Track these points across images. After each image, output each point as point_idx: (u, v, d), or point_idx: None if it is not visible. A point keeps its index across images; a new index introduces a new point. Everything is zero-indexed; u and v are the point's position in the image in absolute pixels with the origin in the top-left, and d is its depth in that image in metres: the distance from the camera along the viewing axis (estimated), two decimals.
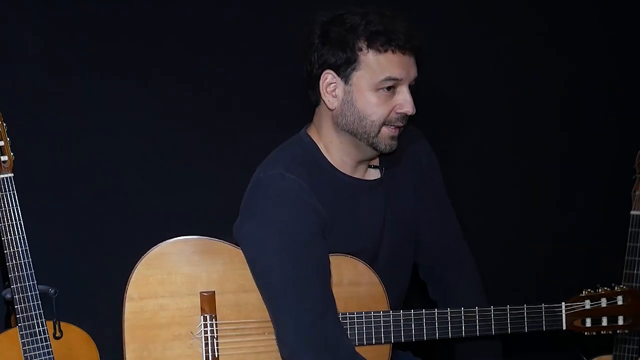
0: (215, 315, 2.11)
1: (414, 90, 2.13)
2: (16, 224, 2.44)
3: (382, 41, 2.05)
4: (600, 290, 2.18)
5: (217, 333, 2.11)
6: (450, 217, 2.39)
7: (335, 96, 2.11)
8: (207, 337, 2.11)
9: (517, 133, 3.26)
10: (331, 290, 2.11)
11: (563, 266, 3.23)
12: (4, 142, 2.46)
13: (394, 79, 2.07)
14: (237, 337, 2.12)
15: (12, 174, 2.45)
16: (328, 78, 2.10)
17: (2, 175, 2.44)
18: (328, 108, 2.14)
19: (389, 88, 2.08)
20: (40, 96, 2.78)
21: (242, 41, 2.94)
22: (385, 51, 2.06)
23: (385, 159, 2.25)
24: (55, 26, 2.79)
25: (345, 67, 2.08)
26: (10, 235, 2.43)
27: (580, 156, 3.30)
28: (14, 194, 2.44)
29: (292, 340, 2.06)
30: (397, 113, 2.10)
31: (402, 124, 2.12)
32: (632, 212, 2.65)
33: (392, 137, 2.13)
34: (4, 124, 2.47)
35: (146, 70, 2.88)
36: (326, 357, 2.06)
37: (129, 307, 2.11)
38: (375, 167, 2.24)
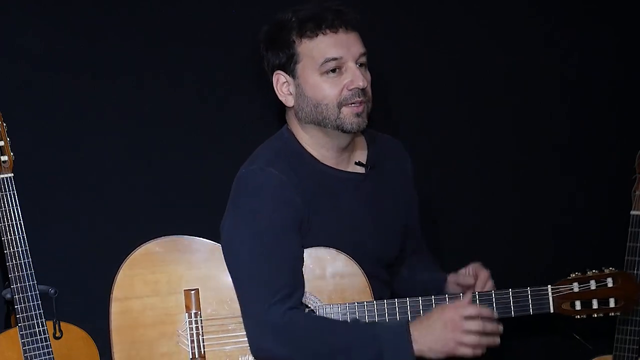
0: (200, 313, 2.13)
1: (371, 66, 2.19)
2: (16, 224, 2.44)
3: (311, 27, 2.12)
4: (589, 273, 2.17)
5: (202, 330, 2.13)
6: (418, 220, 2.43)
7: (290, 93, 2.19)
8: (193, 334, 2.13)
9: (517, 133, 3.25)
10: (301, 284, 2.12)
11: (563, 266, 3.22)
12: (4, 142, 2.46)
13: (333, 59, 2.12)
14: (222, 333, 2.15)
15: (12, 174, 2.46)
16: (280, 79, 2.19)
17: (2, 175, 2.44)
18: (288, 107, 2.21)
19: (334, 70, 2.13)
20: (40, 96, 2.78)
21: (242, 41, 2.94)
22: (317, 35, 2.12)
23: (372, 159, 2.28)
24: (56, 26, 2.79)
25: (289, 64, 2.16)
26: (10, 235, 2.44)
27: (581, 156, 3.29)
28: (14, 194, 2.45)
29: (252, 325, 2.09)
30: (349, 90, 2.13)
31: (360, 99, 2.15)
32: (632, 212, 2.65)
33: (357, 115, 2.15)
34: (4, 124, 2.48)
35: (146, 71, 2.88)
36: (282, 343, 2.07)
37: (115, 307, 2.15)
38: (360, 164, 2.26)
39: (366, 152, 2.30)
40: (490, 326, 2.07)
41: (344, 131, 2.16)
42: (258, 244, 2.10)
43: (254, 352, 2.12)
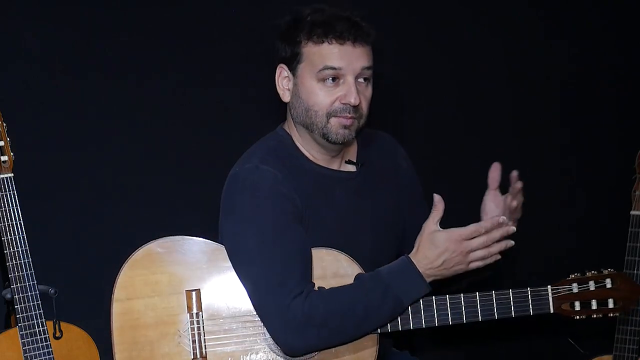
0: (202, 313, 2.13)
1: (376, 81, 2.17)
2: (16, 224, 2.44)
3: (320, 32, 2.10)
4: (587, 274, 2.17)
5: (204, 330, 2.13)
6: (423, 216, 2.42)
7: (289, 89, 2.19)
8: (194, 334, 2.13)
9: (517, 133, 3.26)
10: (310, 274, 2.12)
11: (563, 266, 3.22)
12: (4, 142, 2.46)
13: (332, 69, 2.10)
14: (223, 333, 2.14)
15: (12, 174, 2.46)
16: (282, 72, 2.19)
17: (2, 175, 2.44)
18: (283, 101, 2.20)
19: (333, 79, 2.11)
20: (40, 96, 2.78)
21: (241, 41, 2.94)
22: (322, 42, 2.11)
23: (363, 156, 2.28)
24: (56, 26, 2.79)
25: (292, 61, 2.15)
26: (10, 235, 2.44)
27: (581, 156, 3.29)
28: (14, 194, 2.45)
29: (278, 325, 2.08)
30: (341, 103, 2.12)
31: (349, 114, 2.12)
32: (632, 212, 2.65)
33: (344, 127, 2.13)
34: (4, 124, 2.48)
35: (146, 72, 2.89)
36: (311, 333, 2.07)
37: (116, 308, 2.14)
38: (351, 162, 2.26)
39: (357, 150, 2.29)
40: (498, 232, 2.07)
41: (328, 141, 2.15)
42: (263, 244, 2.09)
43: (287, 352, 2.12)
